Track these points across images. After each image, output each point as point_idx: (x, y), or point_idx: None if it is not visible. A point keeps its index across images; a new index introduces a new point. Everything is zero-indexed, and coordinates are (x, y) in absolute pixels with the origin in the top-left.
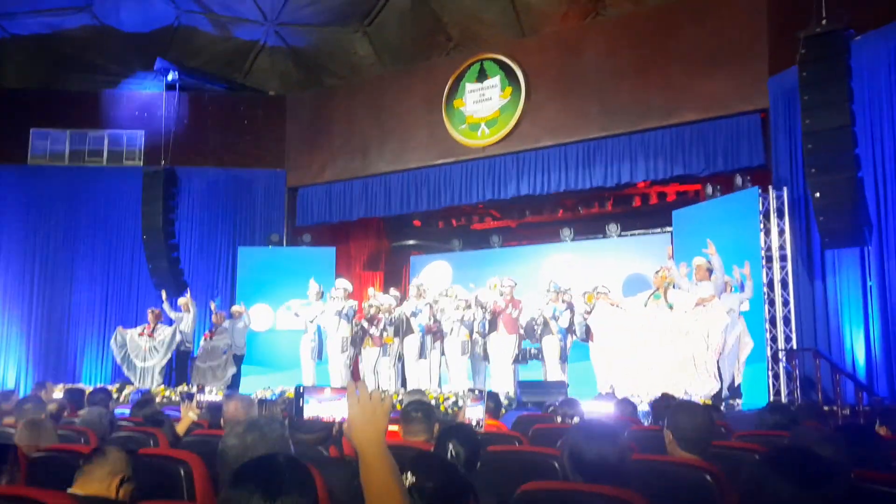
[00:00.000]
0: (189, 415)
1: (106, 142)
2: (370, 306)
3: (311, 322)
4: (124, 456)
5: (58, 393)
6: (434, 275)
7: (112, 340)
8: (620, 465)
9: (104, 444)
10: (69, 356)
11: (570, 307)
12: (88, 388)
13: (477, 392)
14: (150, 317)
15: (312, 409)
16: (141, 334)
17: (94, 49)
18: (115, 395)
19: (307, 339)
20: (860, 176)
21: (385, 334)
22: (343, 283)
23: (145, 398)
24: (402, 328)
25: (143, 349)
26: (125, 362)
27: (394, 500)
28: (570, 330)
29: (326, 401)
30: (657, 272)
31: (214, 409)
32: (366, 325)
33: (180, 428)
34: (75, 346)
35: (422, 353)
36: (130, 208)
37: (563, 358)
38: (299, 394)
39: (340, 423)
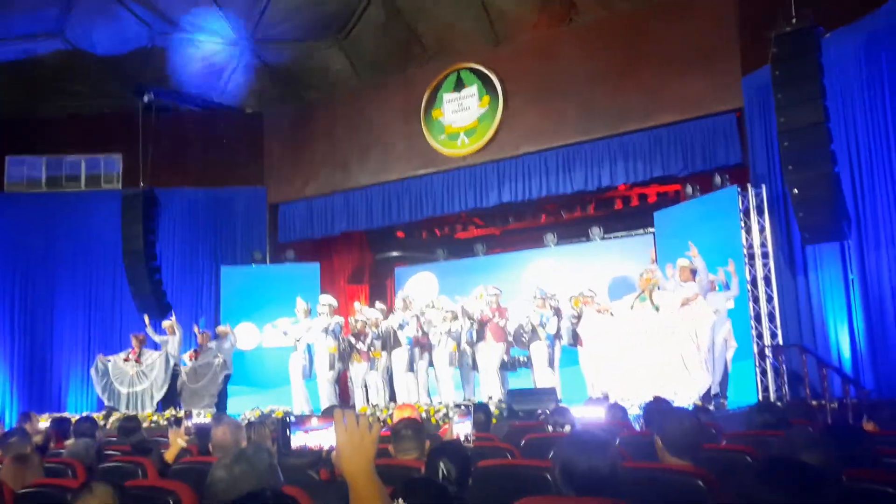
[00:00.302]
0: (178, 441)
1: (83, 166)
2: (357, 321)
3: (299, 340)
4: (111, 490)
5: (43, 423)
6: (420, 286)
7: (93, 370)
8: (612, 477)
9: (91, 479)
10: (53, 385)
11: (558, 312)
12: (74, 417)
13: (464, 407)
14: (133, 342)
15: (299, 439)
16: (126, 360)
17: (68, 73)
18: (101, 423)
19: (297, 357)
20: (836, 171)
21: (372, 349)
22: (328, 300)
23: (132, 425)
24: (389, 341)
25: (130, 375)
26: (106, 391)
27: None
28: (557, 336)
29: (313, 430)
30: (641, 274)
31: (203, 433)
32: (353, 340)
33: (169, 455)
34: (59, 374)
35: (410, 366)
36: (110, 232)
37: (552, 363)
38: (286, 424)
39: (328, 450)
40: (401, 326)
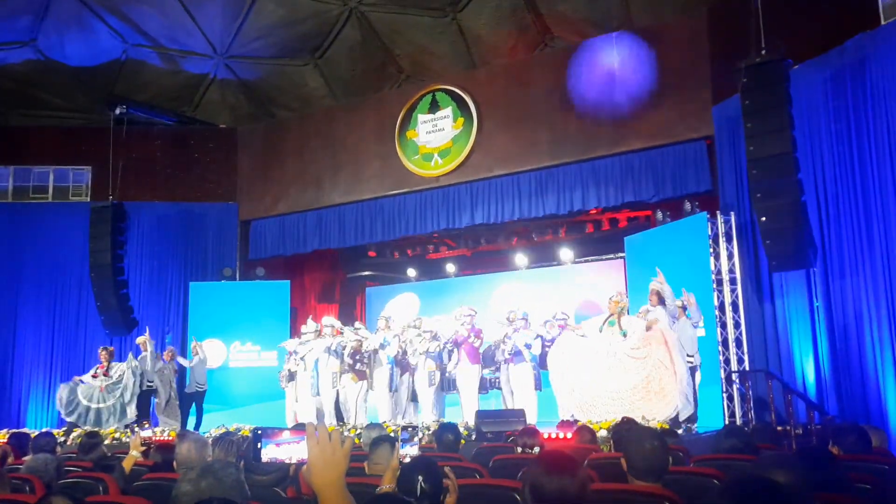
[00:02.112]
0: (132, 453)
1: (51, 178)
2: (355, 340)
3: (303, 359)
4: None
5: (1, 438)
6: (400, 306)
7: (57, 401)
8: (580, 498)
9: (50, 494)
10: (13, 401)
11: (540, 335)
12: (34, 433)
13: (410, 428)
14: (103, 355)
15: (270, 452)
16: (95, 375)
17: (38, 84)
18: (61, 440)
19: (306, 376)
20: (803, 200)
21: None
22: (330, 321)
23: (93, 441)
24: (371, 361)
25: (99, 389)
26: (70, 406)
27: None
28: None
29: (284, 443)
30: (611, 298)
31: (166, 450)
32: (349, 359)
33: (126, 463)
34: (20, 389)
35: (391, 386)
36: (77, 245)
37: (538, 386)
38: (257, 436)
39: (298, 464)
40: (382, 346)
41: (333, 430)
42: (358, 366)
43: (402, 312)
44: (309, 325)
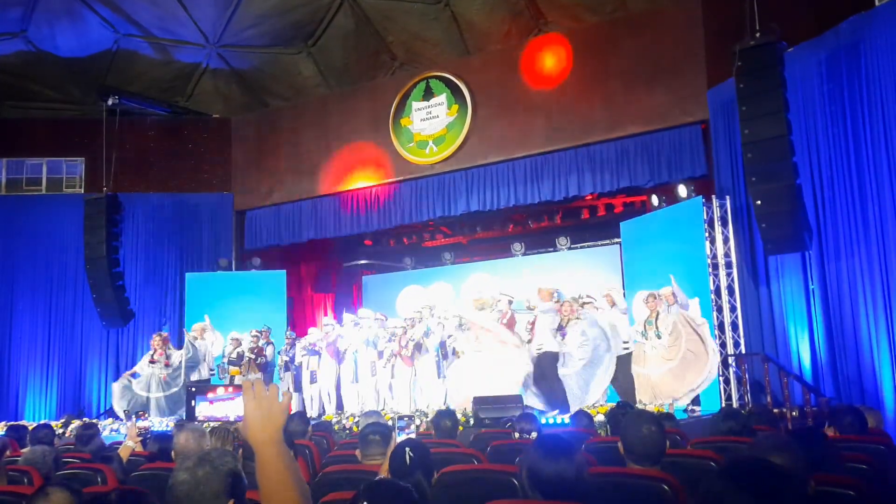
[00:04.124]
0: (128, 443)
1: (45, 170)
2: (399, 327)
3: (347, 350)
4: (68, 496)
5: None
6: (438, 295)
7: (118, 396)
8: (578, 481)
9: (47, 485)
10: (10, 393)
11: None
12: (31, 425)
13: (407, 418)
14: (156, 341)
15: (204, 410)
16: (153, 362)
17: (30, 75)
18: (59, 431)
19: (346, 365)
20: (798, 183)
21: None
22: (367, 312)
23: (90, 432)
24: (415, 349)
25: (161, 378)
26: (131, 403)
27: (290, 498)
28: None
29: (219, 400)
30: (647, 298)
31: (163, 440)
32: (395, 347)
33: (122, 452)
34: (17, 382)
35: (438, 374)
36: (72, 237)
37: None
38: (190, 394)
39: (235, 421)
40: (426, 334)
41: (273, 386)
42: (403, 352)
43: (442, 301)
44: (346, 318)
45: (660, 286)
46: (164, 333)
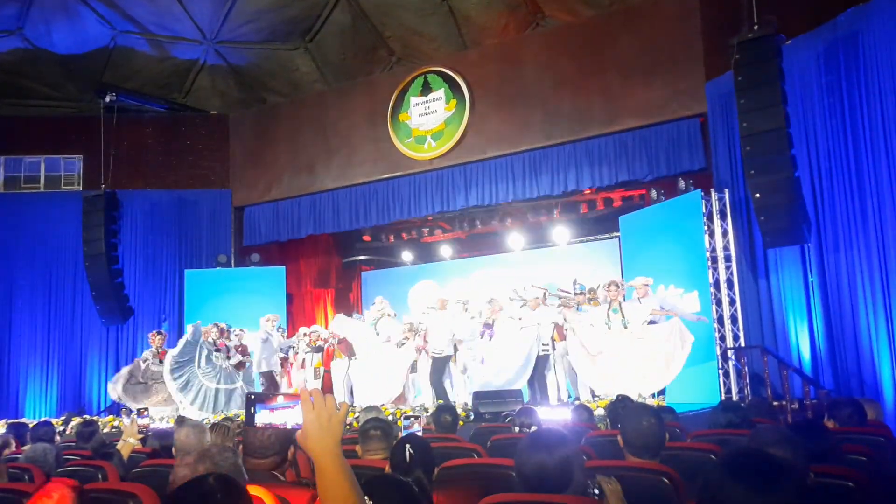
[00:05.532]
0: (129, 440)
1: (42, 167)
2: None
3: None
4: (70, 492)
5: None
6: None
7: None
8: (561, 473)
9: (48, 482)
10: (10, 390)
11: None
12: (32, 423)
13: (413, 417)
14: (214, 333)
15: (264, 417)
16: (218, 349)
17: (27, 73)
18: (60, 429)
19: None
20: (797, 175)
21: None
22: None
23: (90, 429)
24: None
25: (226, 370)
26: (191, 394)
27: None
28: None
29: (279, 408)
30: (609, 286)
31: (164, 437)
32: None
33: (123, 451)
34: (17, 379)
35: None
36: (71, 234)
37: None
38: (250, 401)
39: (293, 429)
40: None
41: (329, 397)
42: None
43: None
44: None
45: (658, 281)
46: (221, 324)
